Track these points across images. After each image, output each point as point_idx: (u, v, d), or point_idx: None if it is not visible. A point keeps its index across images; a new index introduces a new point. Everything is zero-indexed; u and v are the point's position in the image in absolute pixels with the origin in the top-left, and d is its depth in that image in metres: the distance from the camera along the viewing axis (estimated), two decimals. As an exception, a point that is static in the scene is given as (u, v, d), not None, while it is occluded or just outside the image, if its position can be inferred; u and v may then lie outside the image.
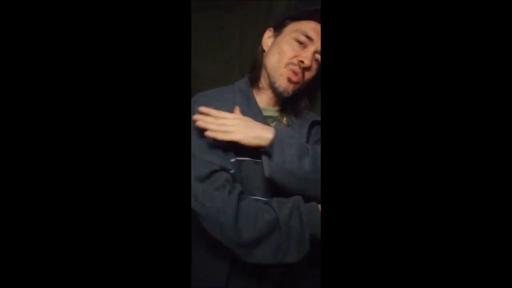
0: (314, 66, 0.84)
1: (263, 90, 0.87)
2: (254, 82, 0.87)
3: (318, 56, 0.83)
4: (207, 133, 0.71)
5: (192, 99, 0.80)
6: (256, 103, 0.84)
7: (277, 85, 0.82)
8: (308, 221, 0.69)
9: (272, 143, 0.71)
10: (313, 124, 0.88)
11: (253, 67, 0.89)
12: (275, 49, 0.84)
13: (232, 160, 0.74)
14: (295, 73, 0.81)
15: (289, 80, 0.82)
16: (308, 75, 0.84)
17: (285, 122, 0.88)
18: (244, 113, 0.78)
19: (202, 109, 0.73)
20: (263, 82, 0.86)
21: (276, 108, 0.88)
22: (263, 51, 0.88)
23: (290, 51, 0.82)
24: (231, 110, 0.77)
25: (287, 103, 0.89)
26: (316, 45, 0.82)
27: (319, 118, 0.88)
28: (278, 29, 0.86)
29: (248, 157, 0.76)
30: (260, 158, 0.74)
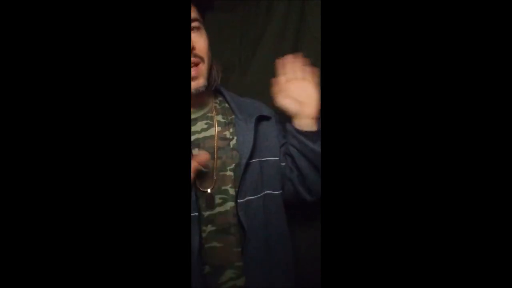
0: (196, 40, 0.76)
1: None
2: None
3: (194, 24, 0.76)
4: None
5: None
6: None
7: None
8: None
9: None
10: (260, 118, 0.83)
11: None
12: None
13: None
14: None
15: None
16: (195, 55, 0.76)
17: (222, 119, 0.83)
18: None
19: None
20: None
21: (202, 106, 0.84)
22: None
23: None
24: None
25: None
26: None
27: (262, 111, 0.83)
28: None
29: None
30: None
